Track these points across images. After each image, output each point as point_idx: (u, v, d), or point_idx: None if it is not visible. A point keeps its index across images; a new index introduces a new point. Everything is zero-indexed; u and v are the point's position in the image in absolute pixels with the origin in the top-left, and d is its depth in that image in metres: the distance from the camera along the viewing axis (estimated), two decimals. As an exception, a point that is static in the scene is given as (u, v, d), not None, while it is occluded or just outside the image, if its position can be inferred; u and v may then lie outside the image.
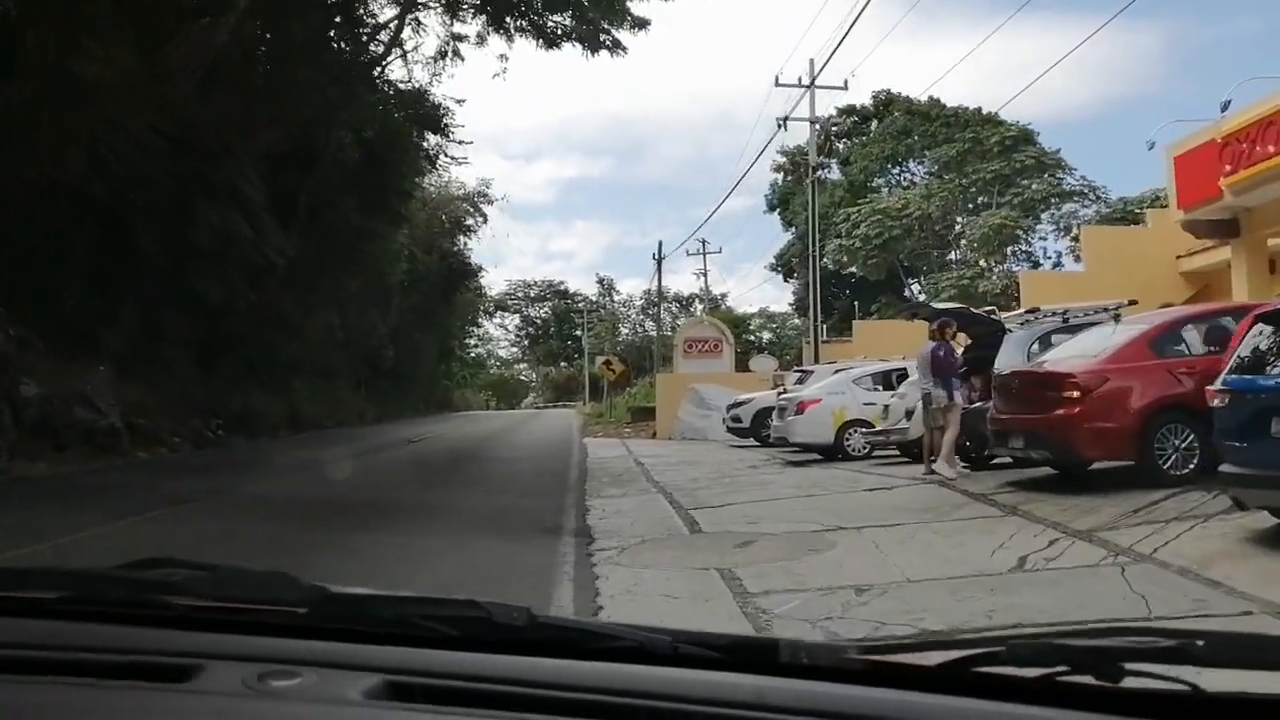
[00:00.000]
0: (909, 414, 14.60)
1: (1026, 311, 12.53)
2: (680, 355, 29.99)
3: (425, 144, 32.07)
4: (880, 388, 17.84)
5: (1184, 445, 9.02)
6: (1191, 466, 8.94)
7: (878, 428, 15.41)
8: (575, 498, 12.44)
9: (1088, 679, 0.99)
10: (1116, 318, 11.96)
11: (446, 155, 32.75)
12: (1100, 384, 9.20)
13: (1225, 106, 18.05)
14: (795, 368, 24.87)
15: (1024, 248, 38.72)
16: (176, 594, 1.20)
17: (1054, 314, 12.51)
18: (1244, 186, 14.85)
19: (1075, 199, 40.34)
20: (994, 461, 12.07)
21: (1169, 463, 9.05)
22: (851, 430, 17.17)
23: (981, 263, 37.24)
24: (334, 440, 27.43)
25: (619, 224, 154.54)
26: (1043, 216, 40.81)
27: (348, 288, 34.61)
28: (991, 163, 40.51)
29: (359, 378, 43.91)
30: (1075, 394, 9.19)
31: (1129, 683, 0.98)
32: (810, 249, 28.10)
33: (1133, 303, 12.46)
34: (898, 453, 15.70)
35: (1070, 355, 10.07)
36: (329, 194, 29.09)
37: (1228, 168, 15.15)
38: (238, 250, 24.78)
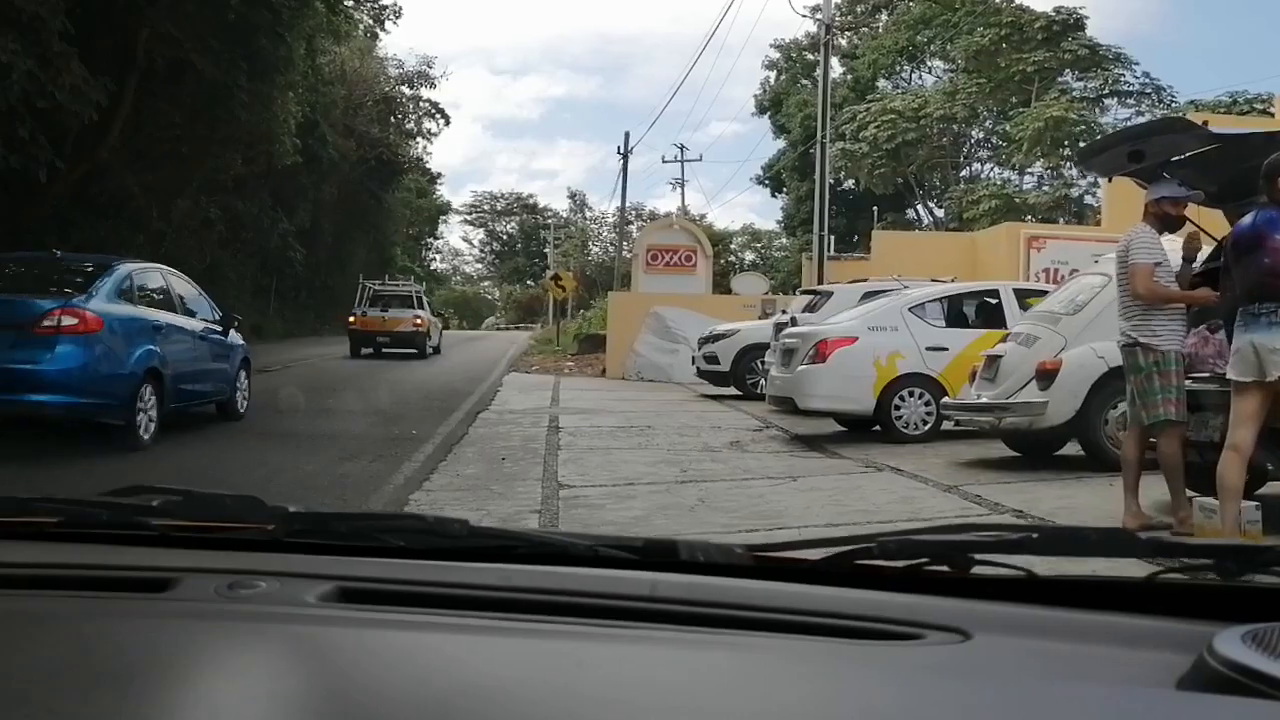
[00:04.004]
0: (1044, 377, 7.59)
1: None
2: (641, 268, 22.60)
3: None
4: (943, 322, 10.85)
5: None
6: None
7: (975, 398, 8.30)
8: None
9: (944, 568, 1.13)
10: None
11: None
12: None
13: None
14: (801, 289, 17.66)
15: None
16: (155, 516, 1.29)
17: None
18: None
19: (1133, 100, 33.01)
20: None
21: None
22: (907, 393, 10.19)
23: (1037, 165, 29.88)
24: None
25: (603, 145, 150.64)
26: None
27: (229, 169, 26.99)
28: (1033, 53, 33.01)
29: (259, 286, 36.40)
30: None
31: (977, 570, 1.12)
32: (819, 131, 20.82)
33: None
34: (972, 430, 8.86)
35: None
36: (184, 34, 21.41)
37: None
38: (14, 92, 17.28)
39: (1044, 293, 11.53)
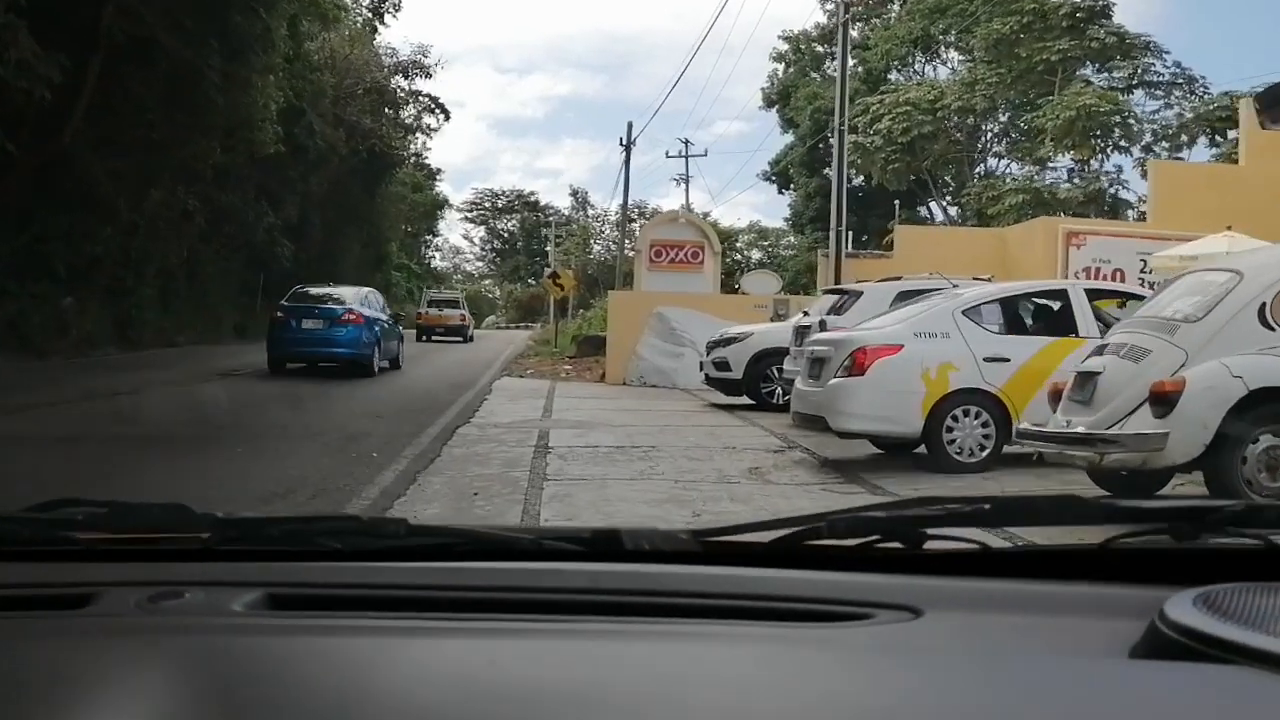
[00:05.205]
0: (1161, 401, 5.92)
1: None
2: (644, 264, 20.88)
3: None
4: (1002, 328, 9.20)
5: None
6: None
7: (1064, 425, 6.60)
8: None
9: (895, 545, 1.11)
10: None
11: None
12: None
13: None
14: (825, 289, 15.91)
15: (1119, 139, 29.10)
16: (78, 529, 1.25)
17: None
18: None
19: (1162, 91, 31.26)
20: None
21: None
22: (961, 412, 8.55)
23: (1061, 158, 28.10)
24: (120, 368, 18.61)
25: (608, 144, 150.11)
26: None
27: (208, 157, 25.33)
28: (1057, 41, 31.29)
29: (244, 282, 34.78)
30: None
31: (930, 546, 1.11)
32: (837, 117, 19.16)
33: None
34: (1027, 454, 7.20)
35: None
36: (150, 10, 19.76)
37: None
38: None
39: (1117, 294, 9.95)
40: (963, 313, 8.86)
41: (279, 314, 18.34)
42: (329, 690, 0.85)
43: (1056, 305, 9.26)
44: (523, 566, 1.12)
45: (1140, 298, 8.95)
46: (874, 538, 1.11)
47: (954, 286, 9.87)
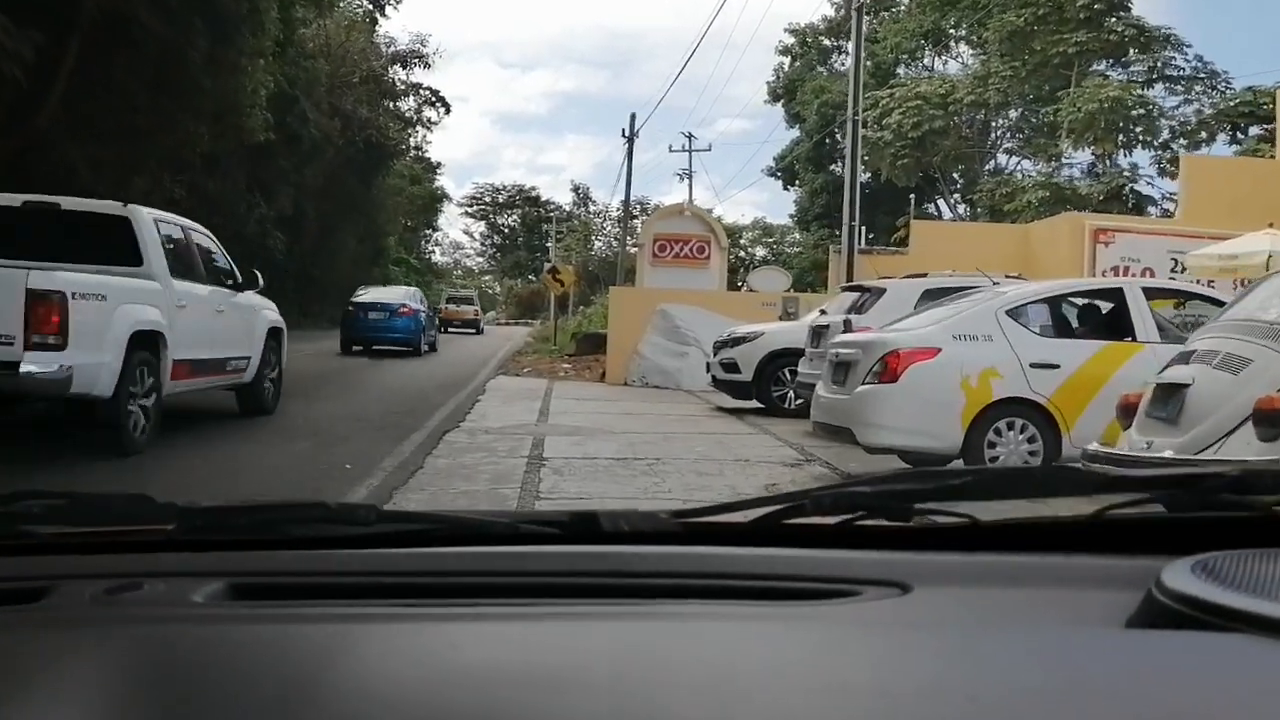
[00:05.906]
0: (1270, 420, 4.95)
1: None
2: (647, 259, 19.92)
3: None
4: (1050, 330, 8.26)
5: None
6: None
7: (1144, 448, 5.60)
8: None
9: (881, 521, 1.06)
10: None
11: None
12: None
13: None
14: (844, 285, 14.84)
15: (1141, 134, 28.01)
16: (37, 523, 1.20)
17: None
18: None
19: (1182, 86, 30.28)
20: None
21: None
22: (1005, 424, 7.62)
23: (1084, 151, 27.13)
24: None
25: (610, 139, 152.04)
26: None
27: (195, 144, 24.35)
28: (1074, 33, 30.31)
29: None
30: None
31: (917, 520, 1.06)
32: (851, 108, 18.17)
33: None
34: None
35: None
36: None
37: None
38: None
39: (1179, 293, 9.00)
40: (1006, 313, 7.90)
41: (350, 308, 23.88)
42: (285, 677, 0.82)
43: (1110, 306, 8.31)
44: (498, 550, 1.09)
45: (1213, 299, 8.03)
46: (859, 514, 1.08)
47: (995, 284, 8.90)
